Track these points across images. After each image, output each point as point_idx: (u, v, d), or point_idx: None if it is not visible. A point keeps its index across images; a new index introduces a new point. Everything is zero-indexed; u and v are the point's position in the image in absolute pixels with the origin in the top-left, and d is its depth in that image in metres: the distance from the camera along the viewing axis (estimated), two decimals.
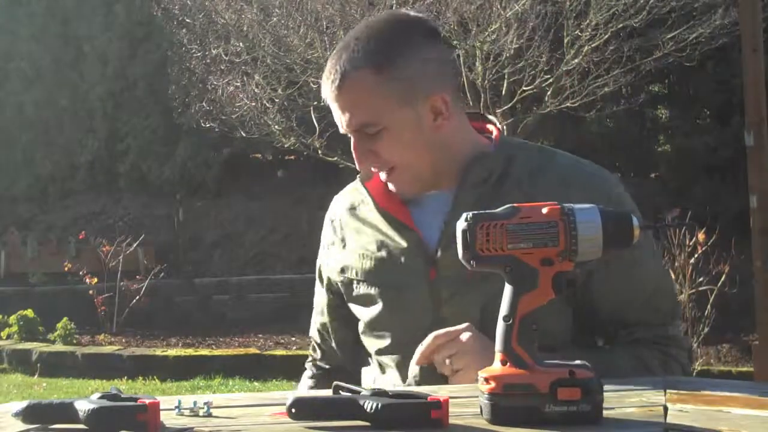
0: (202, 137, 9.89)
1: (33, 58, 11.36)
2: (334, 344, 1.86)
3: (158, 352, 7.75)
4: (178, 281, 9.47)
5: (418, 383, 1.60)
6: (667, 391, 1.34)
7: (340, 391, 1.30)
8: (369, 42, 1.61)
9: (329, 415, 1.22)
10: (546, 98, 6.48)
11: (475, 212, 1.23)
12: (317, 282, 1.89)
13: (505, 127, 6.27)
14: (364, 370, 1.79)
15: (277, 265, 9.65)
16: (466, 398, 1.30)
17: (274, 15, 6.55)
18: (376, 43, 1.61)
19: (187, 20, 7.34)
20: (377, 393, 1.22)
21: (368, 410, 1.18)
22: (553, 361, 1.21)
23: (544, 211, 1.21)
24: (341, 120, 1.64)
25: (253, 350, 7.70)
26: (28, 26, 11.35)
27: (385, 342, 1.70)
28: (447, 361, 1.53)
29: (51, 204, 11.42)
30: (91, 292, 8.62)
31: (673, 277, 5.41)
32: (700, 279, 5.58)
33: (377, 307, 1.70)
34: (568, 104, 6.42)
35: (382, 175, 1.69)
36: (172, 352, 7.73)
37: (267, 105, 6.75)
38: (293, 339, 7.83)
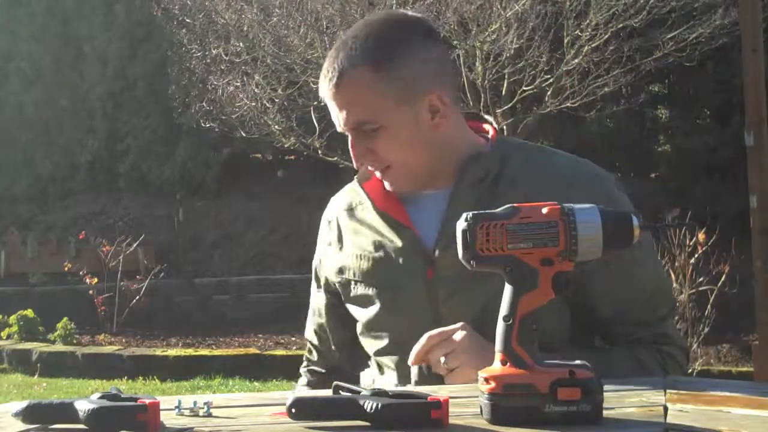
0: (202, 137, 9.89)
1: (33, 58, 11.36)
2: (333, 345, 1.85)
3: (158, 352, 7.75)
4: (178, 281, 9.47)
5: (417, 383, 1.60)
6: (667, 391, 1.34)
7: (340, 391, 1.31)
8: (367, 40, 1.61)
9: (329, 415, 1.22)
10: (546, 98, 6.48)
11: (475, 212, 1.23)
12: (314, 283, 1.88)
13: (504, 127, 6.28)
14: (362, 374, 1.79)
15: (277, 265, 9.65)
16: (466, 398, 1.30)
17: (274, 15, 6.55)
18: (374, 42, 1.61)
19: (187, 20, 7.34)
20: (377, 393, 1.23)
21: (368, 410, 1.18)
22: (553, 361, 1.21)
23: (544, 211, 1.21)
24: (339, 118, 1.64)
25: (253, 350, 7.71)
26: (28, 26, 11.35)
27: (383, 342, 1.70)
28: (442, 360, 1.53)
29: (51, 204, 11.42)
30: (91, 292, 8.62)
31: (672, 277, 5.41)
32: (700, 279, 5.57)
33: (375, 308, 1.70)
34: (568, 104, 6.42)
35: (378, 173, 1.69)
36: (172, 352, 7.73)
37: (267, 105, 6.75)
38: (293, 339, 7.83)
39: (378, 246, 1.70)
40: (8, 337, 8.40)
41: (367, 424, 1.19)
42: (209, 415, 1.30)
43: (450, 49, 5.85)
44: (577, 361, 1.21)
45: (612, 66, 6.46)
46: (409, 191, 1.70)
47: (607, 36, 6.30)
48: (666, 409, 1.24)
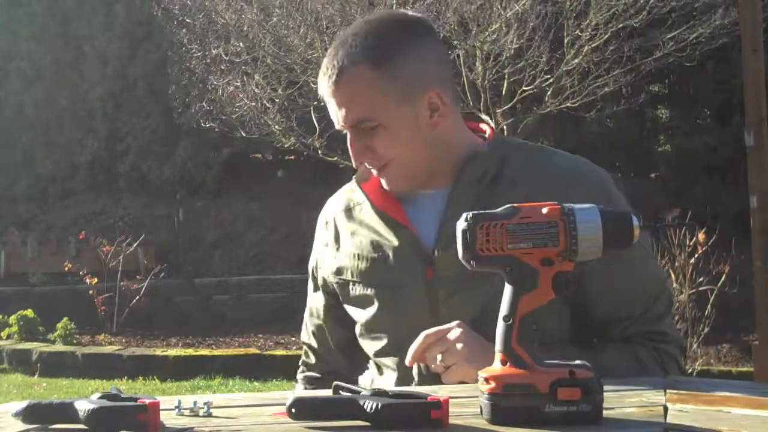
0: (202, 137, 9.89)
1: (33, 58, 11.36)
2: (332, 345, 1.84)
3: (158, 352, 7.75)
4: (178, 281, 9.47)
5: (418, 384, 1.60)
6: (667, 391, 1.34)
7: (340, 391, 1.31)
8: (367, 38, 1.61)
9: (329, 415, 1.23)
10: (546, 98, 6.48)
11: (475, 212, 1.23)
12: (311, 284, 1.87)
13: (504, 127, 6.28)
14: (361, 378, 1.78)
15: (277, 265, 9.65)
16: (466, 398, 1.30)
17: (274, 15, 6.55)
18: (374, 40, 1.61)
19: (187, 20, 7.34)
20: (377, 393, 1.23)
21: (368, 410, 1.18)
22: (553, 361, 1.21)
23: (544, 211, 1.21)
24: (338, 116, 1.63)
25: (253, 350, 7.71)
26: (28, 26, 11.35)
27: (383, 343, 1.70)
28: (438, 357, 1.53)
29: (51, 204, 11.42)
30: (91, 292, 8.62)
31: (672, 277, 5.41)
32: (700, 279, 5.58)
33: (374, 308, 1.70)
34: (568, 104, 6.42)
35: (375, 172, 1.68)
36: (172, 352, 7.73)
37: (267, 105, 6.75)
38: (293, 339, 7.83)
39: (376, 246, 1.70)
40: (8, 337, 8.40)
41: (367, 424, 1.19)
42: (209, 415, 1.30)
43: (450, 49, 5.85)
44: (577, 361, 1.21)
45: (612, 66, 6.47)
46: (407, 190, 1.70)
47: (607, 36, 6.30)
48: (666, 409, 1.24)
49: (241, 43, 6.89)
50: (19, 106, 11.40)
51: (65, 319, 8.18)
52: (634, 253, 1.55)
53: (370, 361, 1.76)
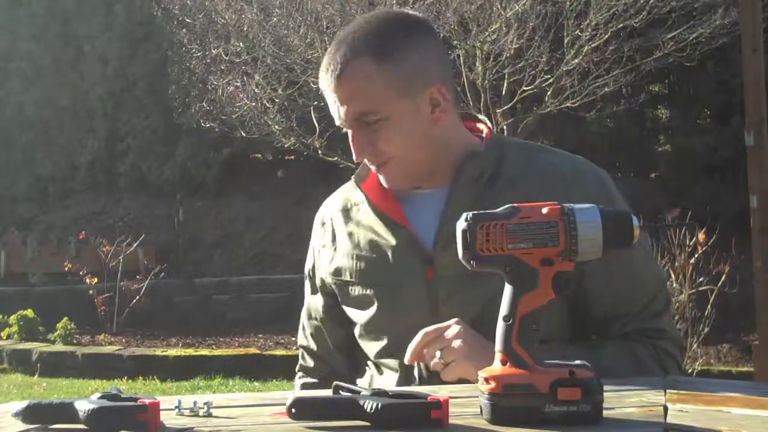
0: (202, 137, 9.89)
1: (33, 58, 11.36)
2: (331, 345, 1.83)
3: (158, 352, 7.75)
4: (178, 281, 9.47)
5: (418, 384, 1.60)
6: (667, 391, 1.34)
7: (340, 391, 1.31)
8: (369, 34, 1.62)
9: (329, 415, 1.23)
10: (546, 98, 6.48)
11: (475, 212, 1.23)
12: (308, 286, 1.86)
13: (504, 127, 6.28)
14: (360, 381, 1.77)
15: (277, 265, 9.65)
16: (466, 398, 1.30)
17: (274, 15, 6.55)
18: (376, 35, 1.62)
19: (187, 20, 7.34)
20: (377, 393, 1.23)
21: (368, 410, 1.18)
22: (553, 361, 1.21)
23: (544, 211, 1.21)
24: (340, 111, 1.63)
25: (253, 350, 7.71)
26: (28, 26, 11.35)
27: (383, 343, 1.69)
28: (437, 354, 1.53)
29: (51, 204, 11.42)
30: (91, 292, 8.62)
31: (672, 277, 5.41)
32: (700, 279, 5.57)
33: (373, 309, 1.69)
34: (568, 104, 6.42)
35: (374, 168, 1.68)
36: (172, 352, 7.73)
37: (267, 105, 6.75)
38: (293, 339, 7.83)
39: (374, 246, 1.70)
40: (8, 337, 8.40)
41: (367, 424, 1.19)
42: (209, 415, 1.30)
43: (450, 49, 5.85)
44: (577, 361, 1.21)
45: (612, 66, 6.47)
46: (406, 188, 1.70)
47: (607, 36, 6.30)
48: (666, 409, 1.24)
49: (241, 43, 6.89)
50: (19, 106, 11.40)
51: (65, 319, 8.18)
52: (633, 253, 1.55)
53: (369, 363, 1.75)
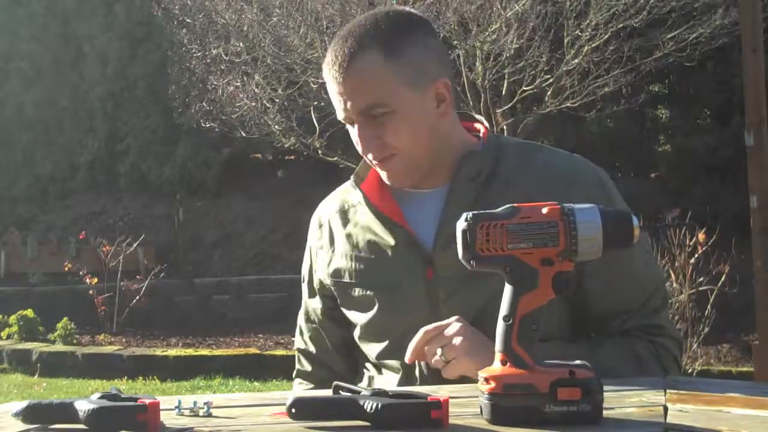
0: (202, 137, 9.89)
1: (33, 58, 11.36)
2: (330, 346, 1.82)
3: (158, 352, 7.75)
4: (178, 281, 9.47)
5: (420, 384, 1.60)
6: (667, 391, 1.34)
7: (340, 391, 1.31)
8: (374, 28, 1.62)
9: (329, 415, 1.23)
10: (546, 98, 6.48)
11: (475, 212, 1.23)
12: (305, 290, 1.85)
13: (504, 127, 6.28)
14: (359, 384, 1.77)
15: (277, 265, 9.65)
16: (466, 398, 1.30)
17: (274, 15, 6.55)
18: (383, 28, 1.62)
19: (187, 20, 7.34)
20: (377, 393, 1.23)
21: (368, 410, 1.18)
22: (553, 361, 1.21)
23: (544, 211, 1.21)
24: (346, 104, 1.61)
25: (253, 350, 7.71)
26: (28, 26, 11.35)
27: (383, 344, 1.69)
28: (438, 352, 1.52)
29: (51, 204, 11.42)
30: (91, 292, 8.62)
31: (673, 277, 5.41)
32: (700, 279, 5.57)
33: (373, 310, 1.69)
34: (568, 104, 6.42)
35: (377, 165, 1.66)
36: (172, 352, 7.74)
37: (267, 105, 6.74)
38: (293, 339, 7.75)
39: (373, 246, 1.69)
40: (8, 337, 8.40)
41: (367, 424, 1.19)
42: (209, 415, 1.30)
43: (450, 49, 5.85)
44: (577, 361, 1.21)
45: (612, 66, 6.47)
46: (407, 186, 1.69)
47: (607, 36, 6.29)
48: (666, 409, 1.24)
49: (241, 43, 6.89)
50: (19, 106, 11.40)
51: (65, 319, 8.18)
52: (633, 253, 1.55)
53: (368, 364, 1.75)
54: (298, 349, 1.89)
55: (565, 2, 6.27)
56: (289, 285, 8.57)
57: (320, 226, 1.81)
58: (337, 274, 1.74)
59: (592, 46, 6.30)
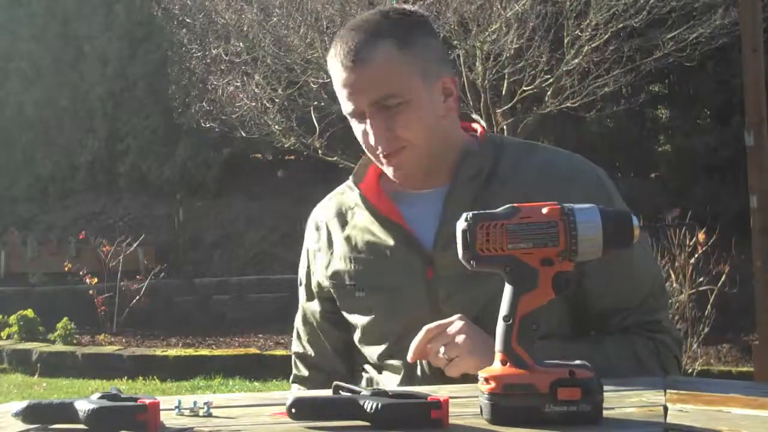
0: (202, 137, 9.89)
1: (33, 58, 11.37)
2: (329, 348, 1.81)
3: (158, 352, 7.75)
4: (178, 281, 9.47)
5: (421, 383, 1.59)
6: (667, 391, 1.34)
7: (340, 391, 1.31)
8: (385, 19, 1.63)
9: (329, 415, 1.23)
10: (546, 98, 6.48)
11: (475, 212, 1.23)
12: (303, 293, 1.84)
13: (504, 127, 6.28)
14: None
15: (277, 265, 9.65)
16: (466, 398, 1.30)
17: (274, 15, 6.55)
18: (393, 21, 1.63)
19: (187, 20, 7.34)
20: (377, 393, 1.23)
21: (368, 410, 1.18)
22: (553, 361, 1.21)
23: (544, 211, 1.21)
24: (357, 95, 1.60)
25: (253, 350, 7.71)
26: (28, 26, 11.36)
27: (385, 345, 1.68)
28: (441, 350, 1.52)
29: (51, 204, 11.42)
30: (91, 292, 8.62)
31: (673, 277, 5.41)
32: (700, 279, 5.57)
33: (374, 310, 1.68)
34: (568, 104, 6.42)
35: (383, 161, 1.64)
36: (172, 352, 7.74)
37: (267, 105, 6.75)
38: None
39: (371, 247, 1.69)
40: (8, 337, 8.40)
41: (367, 424, 1.19)
42: (209, 415, 1.30)
43: (450, 49, 5.85)
44: (577, 361, 1.21)
45: (612, 66, 6.47)
46: (411, 183, 1.68)
47: (607, 36, 6.30)
48: (666, 409, 1.24)
49: (241, 43, 6.89)
50: (19, 106, 11.40)
51: (65, 319, 8.18)
52: (633, 253, 1.54)
53: (367, 366, 1.74)
54: (296, 354, 1.88)
55: (565, 2, 6.27)
56: (289, 285, 8.56)
57: (317, 228, 1.79)
58: (336, 276, 1.73)
59: (592, 46, 6.30)
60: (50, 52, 11.30)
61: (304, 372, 1.86)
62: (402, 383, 1.63)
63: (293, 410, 1.21)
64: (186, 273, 9.83)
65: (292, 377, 1.90)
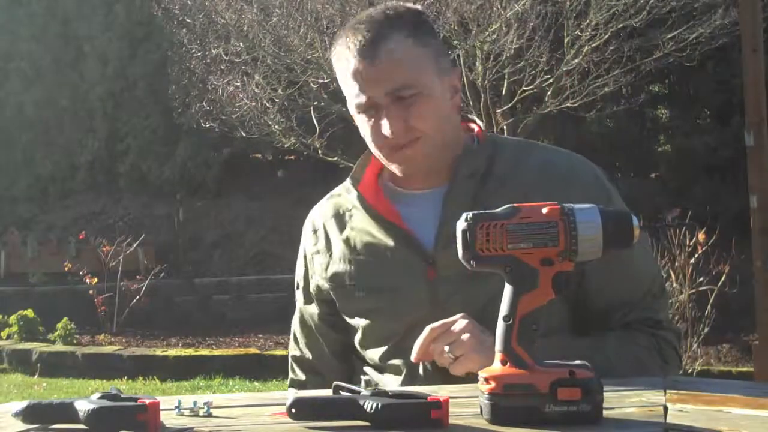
0: (202, 137, 9.89)
1: (33, 58, 11.36)
2: (327, 351, 1.80)
3: (158, 352, 7.75)
4: (178, 281, 9.47)
5: (424, 382, 1.59)
6: (667, 391, 1.34)
7: (340, 391, 1.31)
8: (397, 14, 1.63)
9: (329, 415, 1.23)
10: (546, 98, 6.48)
11: (475, 212, 1.23)
12: (300, 296, 1.83)
13: (504, 127, 6.28)
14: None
15: (277, 265, 9.64)
16: (466, 398, 1.30)
17: (274, 15, 6.55)
18: (405, 15, 1.63)
19: (187, 20, 7.34)
20: (377, 393, 1.23)
21: (368, 410, 1.18)
22: (553, 361, 1.21)
23: (544, 211, 1.21)
24: (372, 86, 1.59)
25: (253, 350, 7.71)
26: (28, 26, 11.35)
27: (386, 346, 1.68)
28: (446, 349, 1.51)
29: (51, 204, 11.42)
30: (91, 292, 8.62)
31: (673, 277, 5.41)
32: (700, 279, 5.57)
33: (374, 312, 1.68)
34: (568, 104, 6.42)
35: (398, 152, 1.62)
36: (172, 352, 7.74)
37: (267, 105, 6.75)
38: None
39: (371, 248, 1.68)
40: (8, 337, 8.40)
41: (367, 424, 1.19)
42: (209, 415, 1.30)
43: (450, 49, 5.85)
44: (577, 361, 1.21)
45: (612, 66, 6.47)
46: (414, 181, 1.68)
47: (607, 36, 6.30)
48: (666, 409, 1.24)
49: (241, 43, 6.89)
50: (19, 106, 11.40)
51: (65, 319, 8.18)
52: (633, 253, 1.54)
53: (368, 368, 1.73)
54: (293, 357, 1.87)
55: (565, 2, 6.27)
56: (289, 285, 8.44)
57: (315, 231, 1.79)
58: (335, 278, 1.72)
59: (592, 46, 6.30)
60: (50, 52, 11.30)
61: (301, 376, 1.85)
62: (404, 383, 1.63)
63: (293, 410, 1.21)
64: (186, 273, 9.83)
65: (288, 381, 1.89)
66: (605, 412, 1.18)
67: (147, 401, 1.20)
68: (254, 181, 10.75)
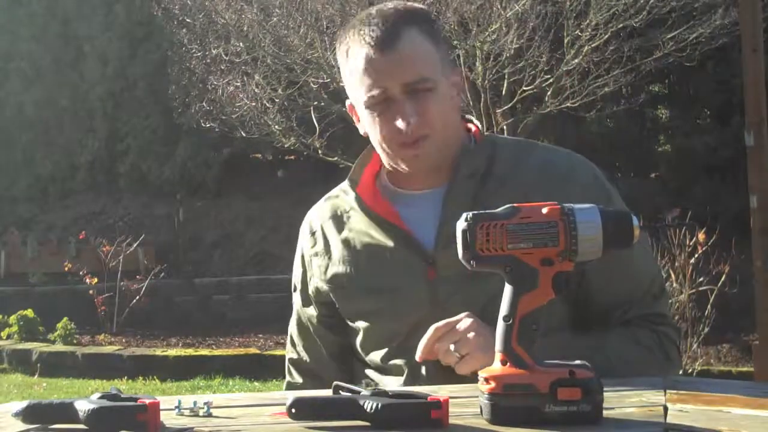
0: (202, 137, 9.89)
1: (33, 58, 11.36)
2: (326, 354, 1.79)
3: (158, 352, 7.75)
4: (178, 281, 9.47)
5: (426, 382, 1.58)
6: (667, 391, 1.34)
7: (340, 391, 1.30)
8: (404, 10, 1.63)
9: (329, 415, 1.23)
10: (546, 98, 6.48)
11: (475, 212, 1.23)
12: (298, 298, 1.82)
13: (504, 127, 6.28)
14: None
15: (277, 265, 9.63)
16: (466, 398, 1.30)
17: (274, 15, 6.55)
18: (415, 12, 1.64)
19: (187, 20, 7.35)
20: (377, 393, 1.23)
21: (368, 410, 1.18)
22: (553, 361, 1.21)
23: (544, 211, 1.21)
24: (387, 79, 1.57)
25: (253, 350, 7.71)
26: (28, 26, 11.35)
27: (387, 347, 1.68)
28: (451, 347, 1.51)
29: (51, 204, 11.42)
30: (91, 292, 8.62)
31: (673, 277, 5.41)
32: (700, 279, 5.57)
33: (375, 313, 1.68)
34: (568, 104, 6.42)
35: (407, 149, 1.61)
36: (172, 352, 7.73)
37: (267, 105, 6.75)
38: None
39: (370, 249, 1.68)
40: (8, 337, 8.40)
41: (367, 424, 1.19)
42: (209, 415, 1.30)
43: (450, 49, 5.84)
44: (577, 361, 1.21)
45: (612, 66, 6.47)
46: (416, 181, 1.68)
47: (607, 36, 6.30)
48: (666, 409, 1.24)
49: (241, 43, 6.89)
50: (19, 106, 11.40)
51: (65, 319, 8.18)
52: (632, 252, 1.54)
53: (369, 370, 1.72)
54: (290, 360, 1.86)
55: (565, 2, 6.27)
56: (289, 285, 8.57)
57: (313, 233, 1.78)
58: (335, 279, 1.72)
59: (592, 46, 6.30)
60: (50, 52, 11.30)
61: (298, 379, 1.84)
62: (406, 383, 1.63)
63: (293, 410, 1.21)
64: (186, 273, 9.83)
65: (285, 384, 1.88)
66: (605, 412, 1.18)
67: (147, 401, 1.20)
68: (254, 181, 10.75)
